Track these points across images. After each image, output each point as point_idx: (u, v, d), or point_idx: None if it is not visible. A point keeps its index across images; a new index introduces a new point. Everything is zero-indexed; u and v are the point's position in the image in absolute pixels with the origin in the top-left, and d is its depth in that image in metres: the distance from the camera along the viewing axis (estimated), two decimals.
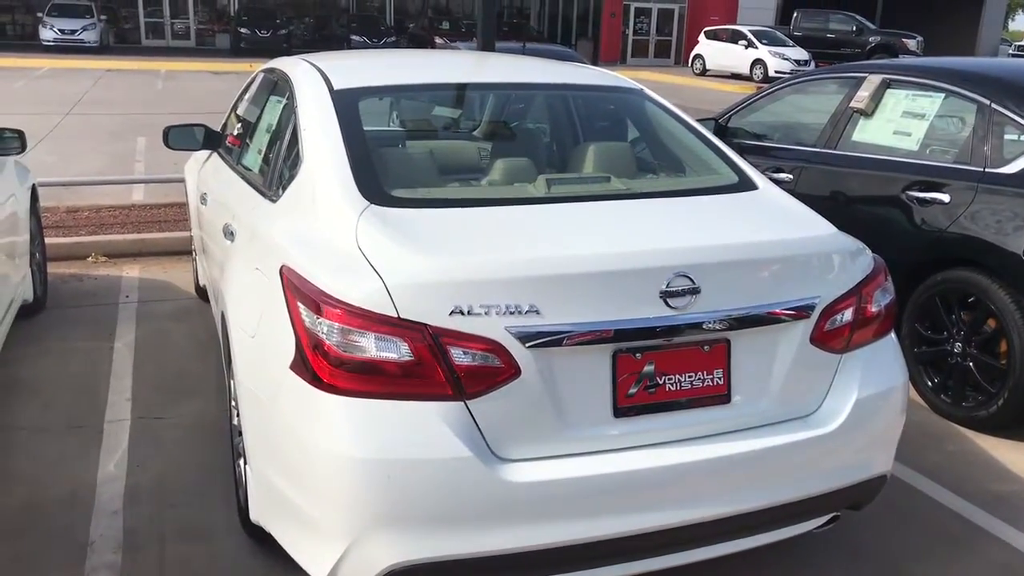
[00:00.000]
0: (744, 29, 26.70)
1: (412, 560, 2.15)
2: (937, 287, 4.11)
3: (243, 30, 27.96)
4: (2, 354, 3.94)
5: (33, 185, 5.09)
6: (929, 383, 4.20)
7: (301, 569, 2.37)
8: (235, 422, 2.98)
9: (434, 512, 2.14)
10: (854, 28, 28.07)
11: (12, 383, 4.12)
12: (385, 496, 2.12)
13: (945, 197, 4.10)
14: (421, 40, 29.41)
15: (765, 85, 7.30)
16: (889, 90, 4.64)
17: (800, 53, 25.33)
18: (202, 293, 5.13)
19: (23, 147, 4.38)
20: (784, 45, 25.80)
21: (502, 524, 2.17)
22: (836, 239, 2.63)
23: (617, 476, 2.23)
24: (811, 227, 2.67)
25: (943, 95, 4.39)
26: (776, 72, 23.57)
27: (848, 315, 2.54)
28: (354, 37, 28.72)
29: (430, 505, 2.13)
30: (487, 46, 7.16)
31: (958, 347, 4.04)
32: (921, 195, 4.20)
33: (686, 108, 3.49)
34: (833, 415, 2.50)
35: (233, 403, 2.96)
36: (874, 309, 2.62)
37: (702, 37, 28.00)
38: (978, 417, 3.98)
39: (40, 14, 26.59)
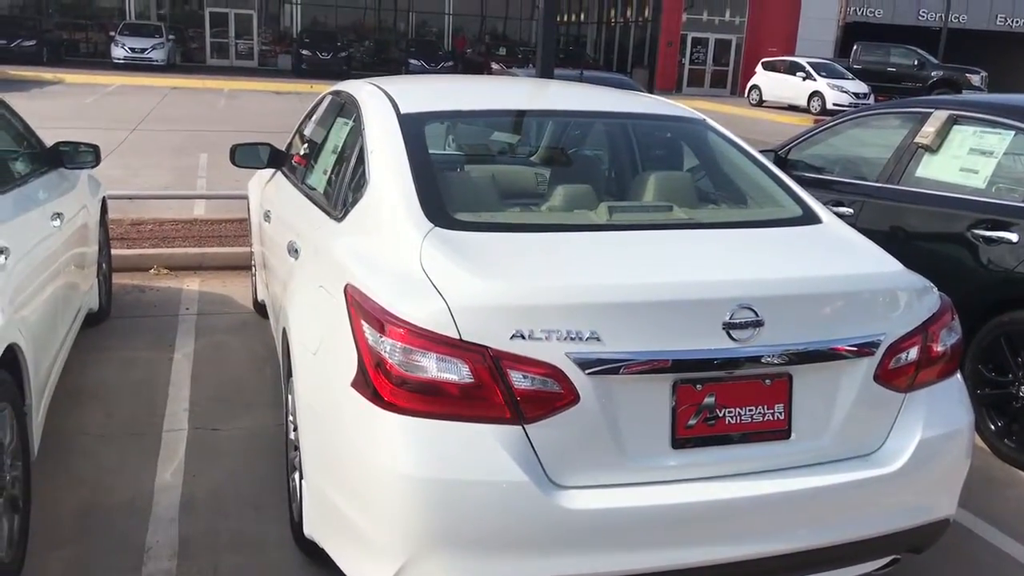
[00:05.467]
0: (802, 61, 26.49)
1: None
2: (1002, 328, 4.01)
3: (304, 52, 28.61)
4: (68, 361, 4.05)
5: (103, 198, 5.26)
6: (992, 427, 4.09)
7: None
8: (291, 436, 3.02)
9: (489, 535, 2.14)
10: (916, 62, 27.66)
11: (77, 389, 4.24)
12: (441, 517, 2.13)
13: (1013, 236, 4.01)
14: (477, 65, 29.77)
15: (823, 118, 7.24)
16: (956, 126, 4.56)
17: (859, 86, 25.02)
18: (260, 308, 5.22)
19: (97, 161, 4.52)
20: (843, 78, 25.52)
21: (556, 551, 2.16)
22: (903, 276, 2.59)
23: (674, 508, 2.21)
24: (877, 263, 2.63)
25: (1012, 132, 4.30)
26: (834, 105, 23.31)
27: (913, 354, 2.49)
28: (412, 61, 29.20)
29: (485, 528, 2.14)
30: (546, 73, 7.22)
31: None
32: (988, 234, 4.11)
33: (743, 140, 3.47)
34: (896, 455, 2.45)
35: (290, 417, 3.01)
36: (940, 348, 2.57)
37: (759, 68, 27.84)
38: None
39: (112, 33, 27.53)
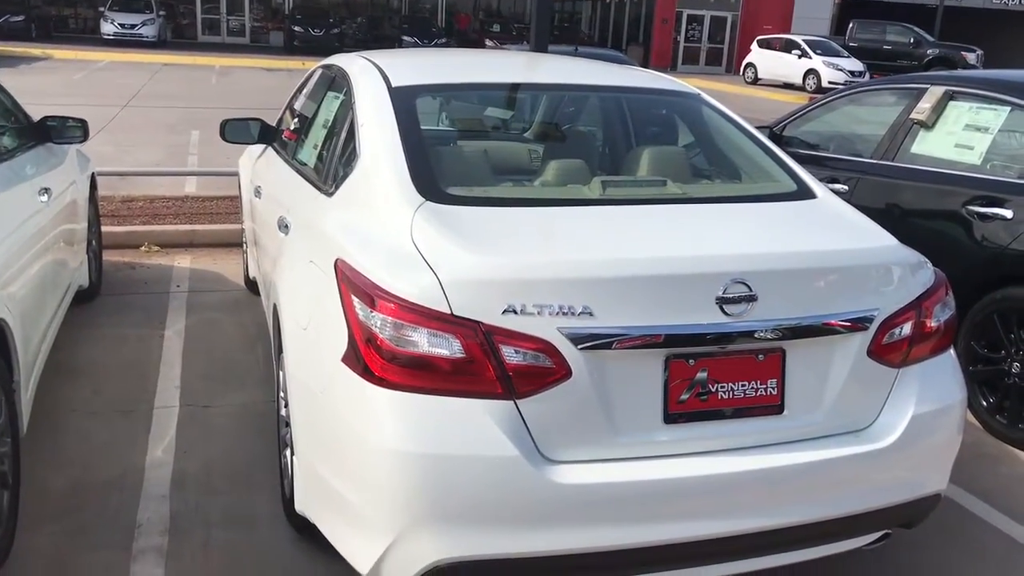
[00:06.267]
0: (798, 38, 26.36)
1: (456, 557, 2.15)
2: (995, 305, 4.01)
3: (297, 28, 28.35)
4: (58, 338, 4.02)
5: (93, 173, 5.21)
6: (984, 403, 4.10)
7: (344, 561, 2.38)
8: (282, 413, 3.01)
9: (480, 510, 2.13)
10: (911, 40, 27.56)
11: (67, 366, 4.21)
12: (432, 492, 2.12)
13: (1008, 213, 3.99)
14: (472, 42, 29.57)
15: (818, 95, 7.21)
16: (952, 102, 4.54)
17: (855, 64, 24.94)
18: (251, 285, 5.19)
19: (85, 136, 4.48)
20: (838, 55, 25.42)
21: (547, 526, 2.15)
22: (897, 251, 2.57)
23: (665, 483, 2.20)
24: (872, 238, 2.62)
25: (1008, 108, 4.28)
26: (830, 83, 23.26)
27: (907, 329, 2.48)
28: (405, 38, 28.96)
29: (476, 503, 2.13)
30: (540, 49, 7.15)
31: (1016, 367, 3.94)
32: (982, 210, 4.10)
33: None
34: (888, 430, 2.45)
35: (281, 394, 2.99)
36: (933, 324, 2.55)
37: (755, 46, 27.71)
38: None
39: (102, 9, 27.23)
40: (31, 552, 2.82)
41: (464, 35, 31.77)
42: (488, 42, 26.75)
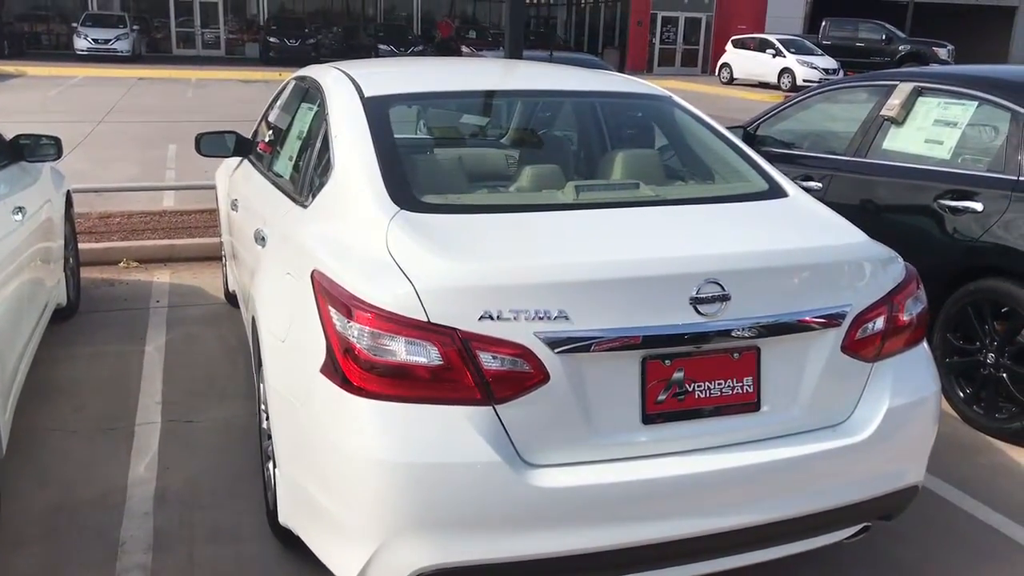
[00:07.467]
0: (772, 38, 26.58)
1: (440, 564, 2.16)
2: (969, 297, 4.06)
3: (272, 39, 28.28)
4: (36, 357, 4.00)
5: (68, 191, 5.18)
6: (961, 394, 4.15)
7: (329, 572, 2.38)
8: (264, 425, 3.01)
9: (462, 516, 2.14)
10: (883, 37, 27.84)
11: (45, 385, 4.18)
12: (414, 500, 2.13)
13: (978, 206, 4.05)
14: (448, 49, 29.59)
15: (793, 94, 7.28)
16: (921, 98, 4.60)
17: (828, 62, 25.17)
18: (231, 298, 5.18)
19: (59, 154, 4.46)
20: (812, 54, 25.66)
21: (530, 529, 2.17)
22: (868, 247, 2.61)
23: (645, 483, 2.22)
24: (842, 235, 2.65)
25: (976, 103, 4.34)
26: (804, 81, 23.49)
27: (879, 324, 2.51)
28: (381, 46, 28.95)
29: (458, 509, 2.14)
30: (515, 54, 7.18)
31: (991, 358, 3.99)
32: (953, 204, 4.15)
33: (713, 117, 3.49)
34: (864, 424, 2.48)
35: (263, 406, 2.99)
36: (906, 318, 2.59)
37: (729, 46, 27.92)
38: (1011, 429, 3.93)
39: (74, 24, 27.06)
40: (13, 573, 2.80)
41: (441, 43, 31.79)
42: (465, 49, 26.78)
